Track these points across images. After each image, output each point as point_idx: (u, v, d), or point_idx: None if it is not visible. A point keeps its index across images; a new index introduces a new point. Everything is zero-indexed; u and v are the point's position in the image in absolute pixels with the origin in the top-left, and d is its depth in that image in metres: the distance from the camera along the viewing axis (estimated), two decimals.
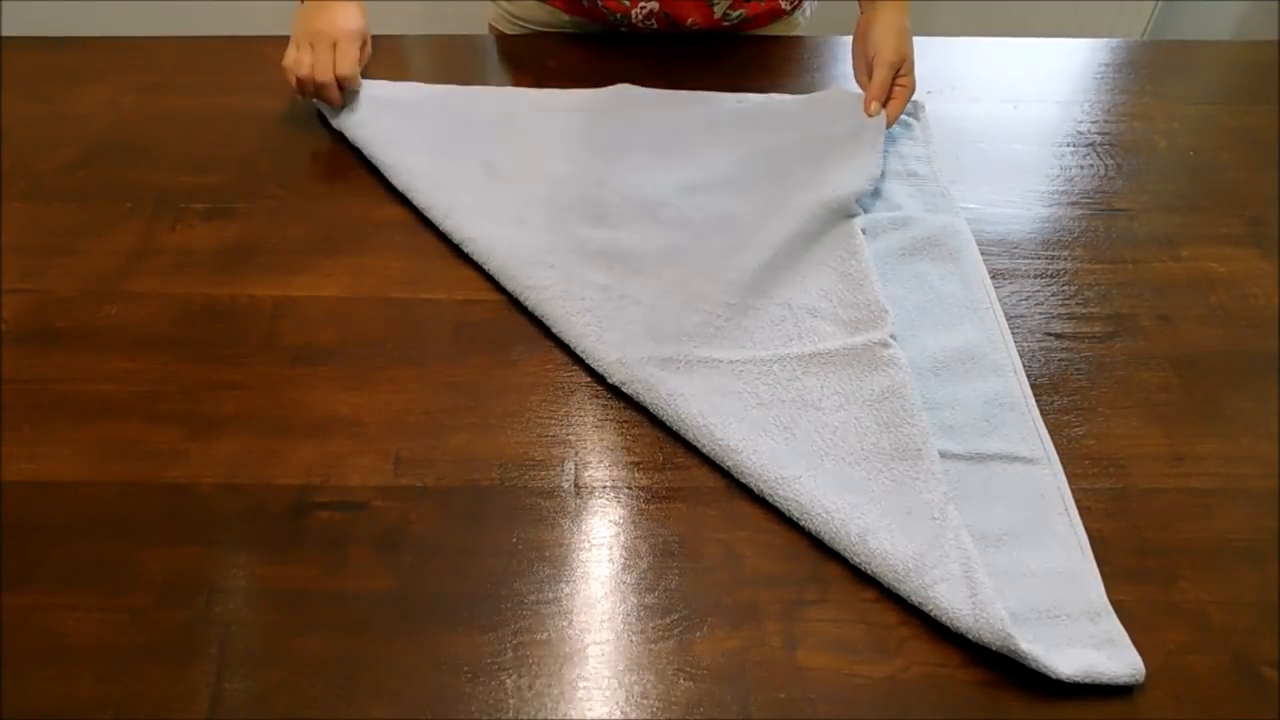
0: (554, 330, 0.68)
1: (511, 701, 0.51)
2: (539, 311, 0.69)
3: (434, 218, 0.76)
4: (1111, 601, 0.55)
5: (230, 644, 0.52)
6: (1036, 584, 0.55)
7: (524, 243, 0.72)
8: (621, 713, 0.51)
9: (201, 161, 0.81)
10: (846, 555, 0.56)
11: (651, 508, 0.59)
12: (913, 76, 0.83)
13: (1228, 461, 0.63)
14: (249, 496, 0.59)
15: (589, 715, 0.51)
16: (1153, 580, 0.56)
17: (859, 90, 0.84)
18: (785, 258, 0.71)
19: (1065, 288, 0.73)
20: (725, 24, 0.95)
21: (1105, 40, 1.02)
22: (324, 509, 0.58)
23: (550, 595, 0.55)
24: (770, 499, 0.59)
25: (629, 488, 0.60)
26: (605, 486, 0.60)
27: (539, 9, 0.99)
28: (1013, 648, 0.51)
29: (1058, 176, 0.84)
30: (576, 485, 0.60)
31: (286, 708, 0.50)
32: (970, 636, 0.52)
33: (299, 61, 0.81)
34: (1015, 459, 0.61)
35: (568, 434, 0.63)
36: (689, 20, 0.93)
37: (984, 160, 0.85)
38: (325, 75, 0.81)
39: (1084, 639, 0.53)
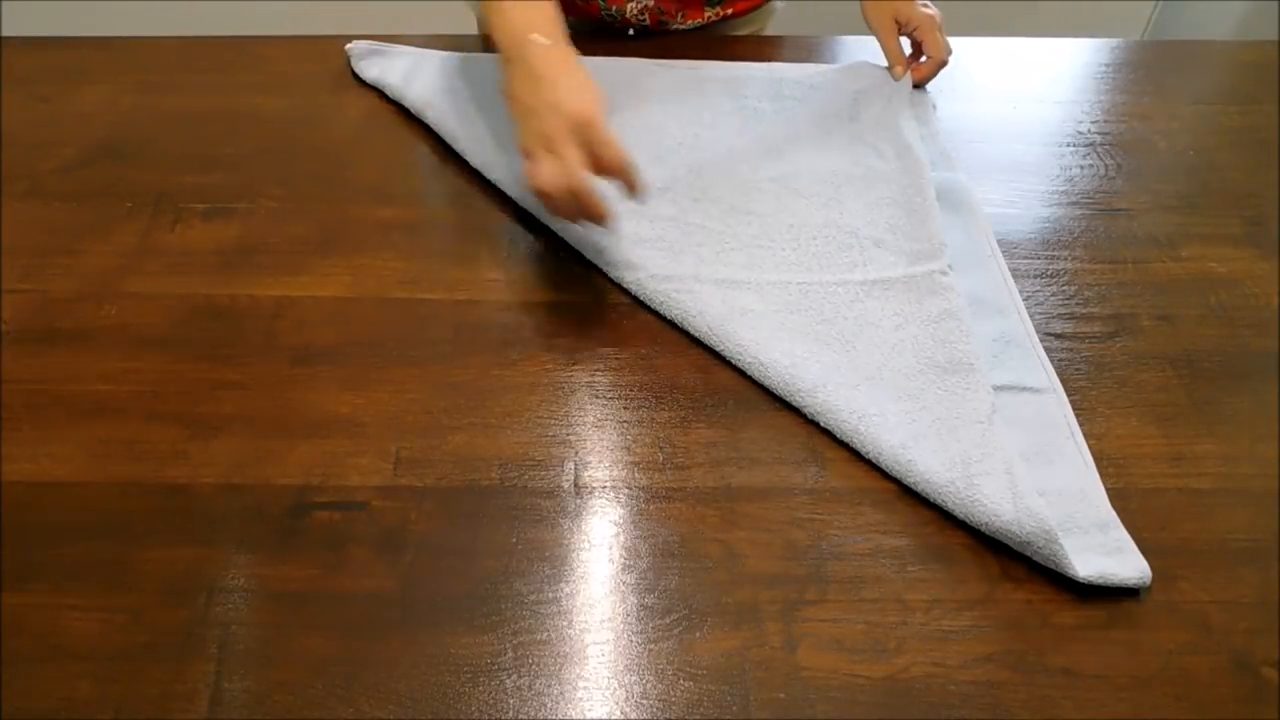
0: (623, 262, 0.71)
1: (511, 701, 0.51)
2: (609, 256, 0.72)
3: (497, 169, 0.78)
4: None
5: (230, 644, 0.52)
6: (1050, 501, 0.57)
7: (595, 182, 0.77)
8: (621, 713, 0.51)
9: (201, 161, 0.81)
10: (891, 464, 0.60)
11: (651, 508, 0.59)
12: (928, 10, 0.87)
13: (1228, 461, 0.63)
14: (249, 496, 0.59)
15: (589, 715, 0.51)
16: (1153, 580, 0.56)
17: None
18: (852, 191, 0.77)
19: (1065, 288, 0.73)
20: (710, 14, 0.95)
21: (1105, 40, 1.02)
22: (324, 509, 0.58)
23: (550, 595, 0.55)
24: (827, 406, 0.62)
25: (629, 488, 0.60)
26: (605, 486, 0.60)
27: None
28: (1050, 539, 0.54)
29: (1058, 176, 0.84)
30: (576, 485, 0.60)
31: (286, 708, 0.50)
32: (1008, 529, 0.56)
33: (547, 174, 0.61)
34: (1023, 389, 0.65)
35: (568, 434, 0.63)
36: (677, 13, 0.93)
37: (984, 160, 0.85)
38: (582, 181, 0.61)
39: (1096, 548, 0.56)
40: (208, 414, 0.63)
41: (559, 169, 0.61)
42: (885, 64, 0.89)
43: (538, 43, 0.65)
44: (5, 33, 0.95)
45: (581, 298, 0.71)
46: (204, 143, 0.83)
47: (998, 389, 0.64)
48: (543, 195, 0.62)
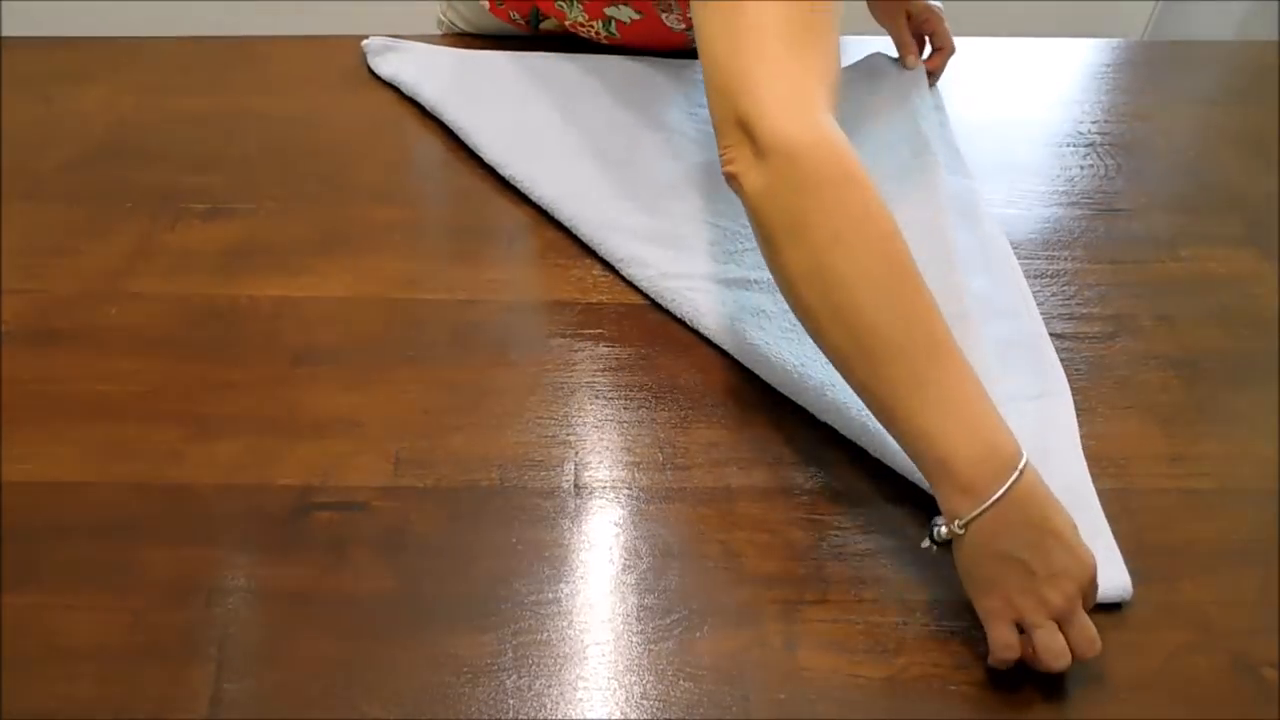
0: (634, 259, 0.72)
1: (511, 702, 0.51)
2: (622, 251, 0.72)
3: (511, 166, 0.79)
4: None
5: (230, 644, 0.52)
6: None
7: (609, 179, 0.78)
8: (621, 713, 0.51)
9: (201, 161, 0.81)
10: (895, 464, 0.59)
11: (651, 508, 0.59)
12: (935, 4, 0.88)
13: (1228, 461, 0.63)
14: (249, 496, 0.59)
15: (589, 715, 0.51)
16: (1153, 580, 0.56)
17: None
18: None
19: (1065, 288, 0.73)
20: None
21: (1105, 40, 1.02)
22: (324, 509, 0.58)
23: (550, 595, 0.55)
24: (834, 405, 0.61)
25: (629, 488, 0.60)
26: (605, 486, 0.60)
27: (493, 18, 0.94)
28: None
29: (1058, 176, 0.84)
30: (576, 485, 0.60)
31: (286, 708, 0.50)
32: None
33: (1060, 650, 0.49)
34: (1026, 398, 0.63)
35: (568, 434, 0.63)
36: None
37: (984, 160, 0.85)
38: (1098, 647, 0.50)
39: None
40: (208, 414, 0.63)
41: (1062, 642, 0.49)
42: (897, 56, 0.90)
43: (1035, 474, 0.49)
44: (5, 33, 0.95)
45: (582, 298, 0.71)
46: (204, 143, 0.83)
47: (998, 401, 0.63)
48: (1044, 669, 0.49)
